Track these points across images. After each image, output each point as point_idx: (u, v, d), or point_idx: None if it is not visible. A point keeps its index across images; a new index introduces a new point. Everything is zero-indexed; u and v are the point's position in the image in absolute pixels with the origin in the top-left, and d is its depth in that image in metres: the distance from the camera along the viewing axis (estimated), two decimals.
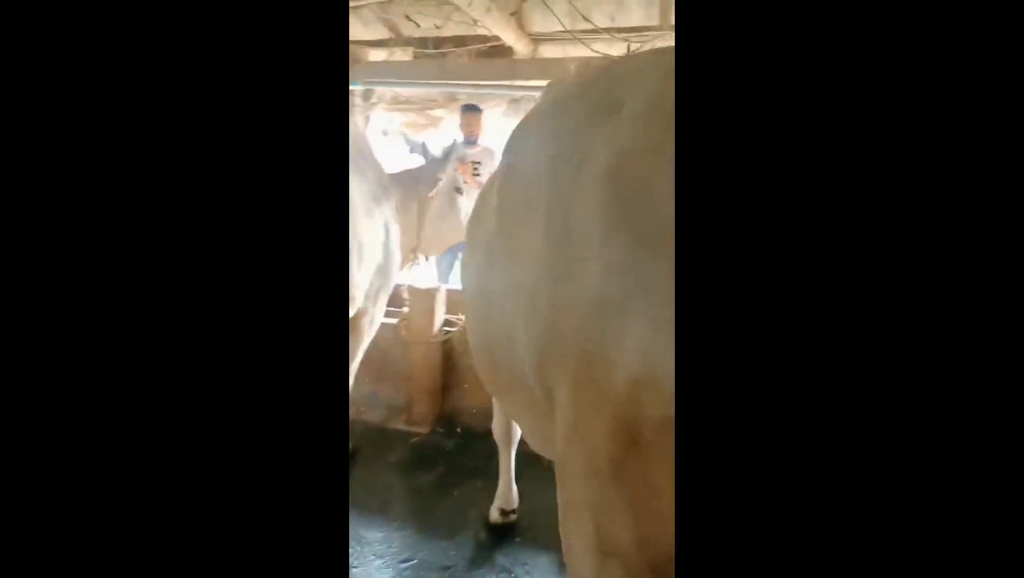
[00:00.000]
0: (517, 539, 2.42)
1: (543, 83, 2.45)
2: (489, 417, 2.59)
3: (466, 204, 3.79)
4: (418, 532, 2.44)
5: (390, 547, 2.34)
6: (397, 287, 3.39)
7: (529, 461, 2.46)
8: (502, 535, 2.44)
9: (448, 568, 2.23)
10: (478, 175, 4.05)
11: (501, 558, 2.31)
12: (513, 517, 2.48)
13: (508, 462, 2.46)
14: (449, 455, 3.15)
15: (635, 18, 3.44)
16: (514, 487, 2.50)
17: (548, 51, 3.95)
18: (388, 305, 3.15)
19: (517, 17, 3.60)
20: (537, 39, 3.92)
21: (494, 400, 2.39)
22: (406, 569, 2.23)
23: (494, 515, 2.48)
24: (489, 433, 2.58)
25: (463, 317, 3.20)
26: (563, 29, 3.26)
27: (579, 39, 3.27)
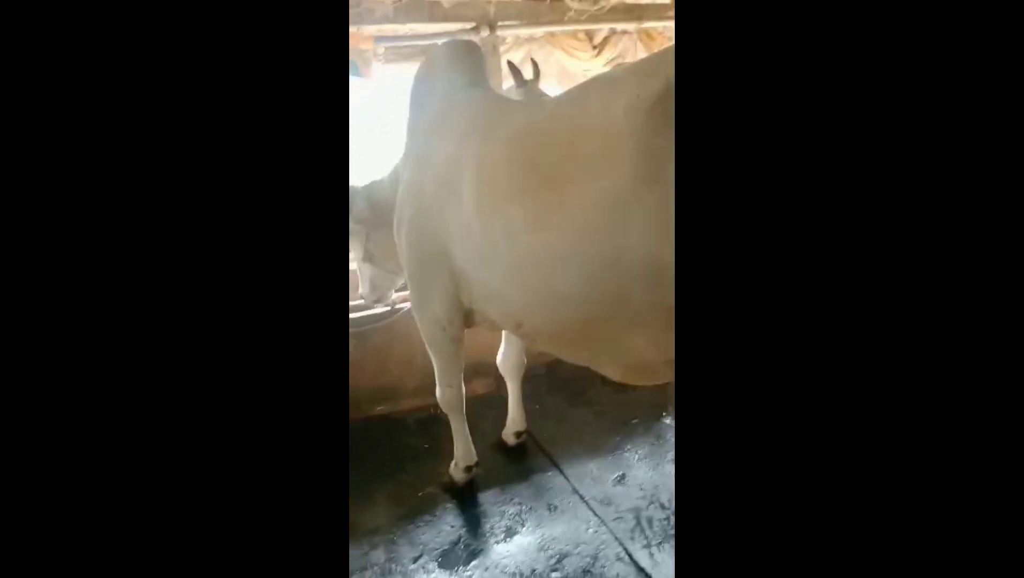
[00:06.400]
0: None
1: None
2: None
3: None
4: None
5: None
6: None
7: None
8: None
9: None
10: None
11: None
12: (524, 437, 2.76)
13: (517, 390, 2.74)
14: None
15: None
16: (523, 411, 2.75)
17: None
18: None
19: None
20: None
21: (504, 335, 2.64)
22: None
23: (510, 439, 2.74)
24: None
25: None
26: None
27: None
